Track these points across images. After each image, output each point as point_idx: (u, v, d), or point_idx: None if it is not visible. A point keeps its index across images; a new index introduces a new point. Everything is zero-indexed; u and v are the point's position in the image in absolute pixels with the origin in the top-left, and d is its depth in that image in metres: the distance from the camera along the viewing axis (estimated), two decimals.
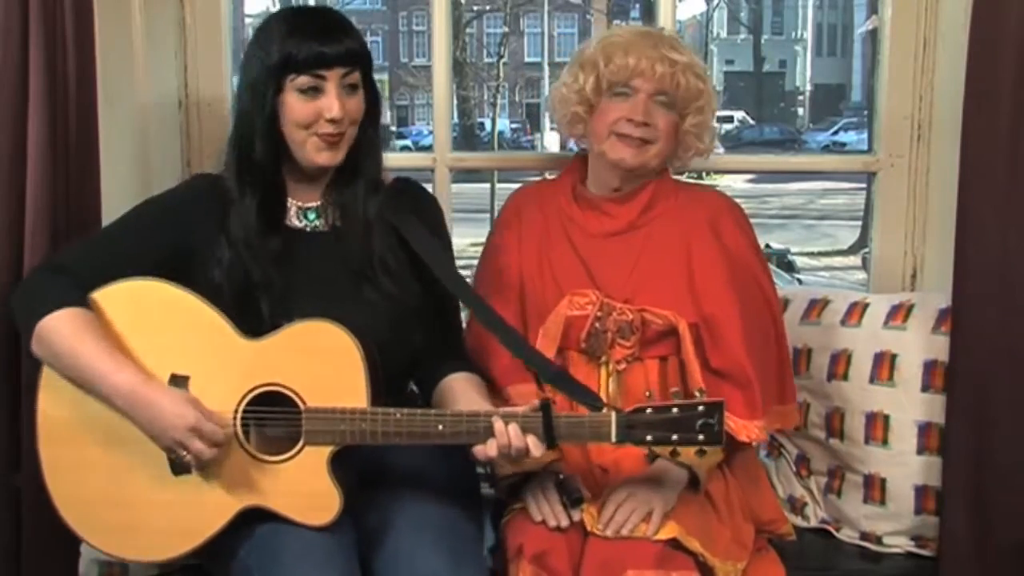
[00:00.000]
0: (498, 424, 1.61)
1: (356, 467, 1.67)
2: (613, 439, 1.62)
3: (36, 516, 1.88)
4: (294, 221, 1.79)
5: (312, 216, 1.80)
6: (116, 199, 1.97)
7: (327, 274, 1.75)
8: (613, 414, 1.62)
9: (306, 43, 1.66)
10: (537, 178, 2.22)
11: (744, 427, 1.80)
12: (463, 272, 1.90)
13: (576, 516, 1.74)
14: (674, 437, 1.60)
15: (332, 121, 1.68)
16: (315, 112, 1.68)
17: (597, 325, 1.89)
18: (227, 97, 2.44)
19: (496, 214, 2.14)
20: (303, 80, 1.67)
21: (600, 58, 1.92)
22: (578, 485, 1.78)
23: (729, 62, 26.70)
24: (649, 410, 1.61)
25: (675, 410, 1.60)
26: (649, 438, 1.61)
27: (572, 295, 1.90)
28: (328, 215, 1.80)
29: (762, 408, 1.83)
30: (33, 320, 1.62)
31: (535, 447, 1.61)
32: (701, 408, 1.60)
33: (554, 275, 1.94)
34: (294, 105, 1.68)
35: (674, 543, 1.70)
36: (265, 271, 1.70)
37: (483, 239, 2.10)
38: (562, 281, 1.93)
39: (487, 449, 1.61)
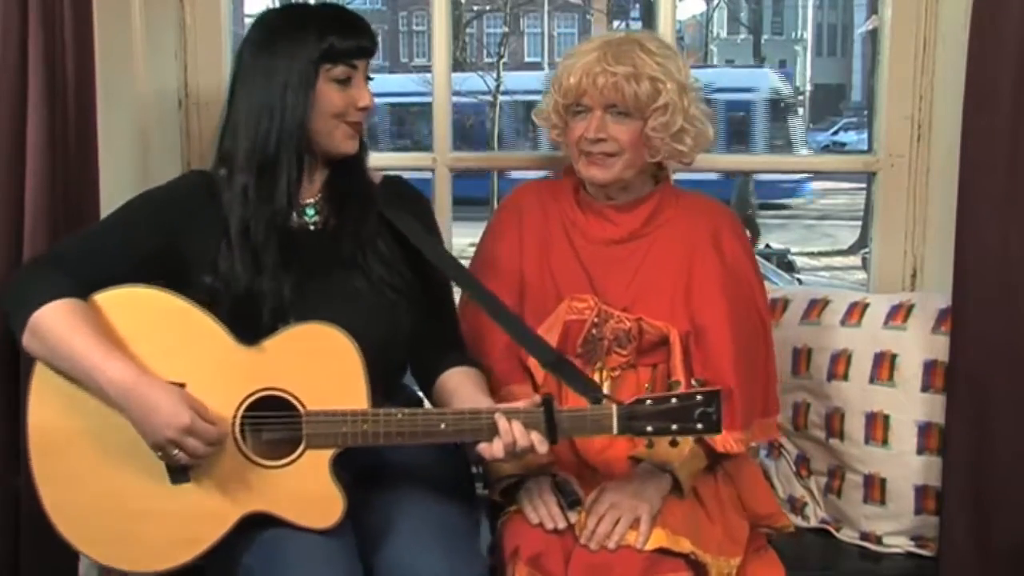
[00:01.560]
0: (502, 423, 1.61)
1: (352, 468, 1.67)
2: (615, 431, 1.63)
3: (35, 518, 1.87)
4: (293, 218, 1.78)
5: (311, 212, 1.80)
6: (116, 199, 1.96)
7: (322, 272, 1.75)
8: (614, 407, 1.63)
9: (347, 35, 1.72)
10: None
11: (721, 439, 1.80)
12: None
13: (573, 518, 1.74)
14: (674, 427, 1.62)
15: (363, 109, 1.74)
16: (348, 101, 1.73)
17: (594, 332, 1.89)
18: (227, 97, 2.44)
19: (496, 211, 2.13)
20: (340, 70, 1.72)
21: (555, 81, 1.93)
22: (574, 487, 1.78)
23: (729, 62, 26.68)
24: (649, 401, 1.62)
25: (674, 400, 1.62)
26: (649, 429, 1.62)
27: (571, 300, 1.90)
28: (323, 211, 1.80)
29: (742, 420, 1.84)
30: (27, 312, 1.60)
31: (540, 443, 1.61)
32: (699, 397, 1.61)
33: (554, 278, 1.94)
34: (330, 95, 1.72)
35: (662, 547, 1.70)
36: (274, 272, 1.69)
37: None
38: (561, 284, 1.93)
39: (492, 449, 1.61)
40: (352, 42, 1.72)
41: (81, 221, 1.89)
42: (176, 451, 1.56)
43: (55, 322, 1.58)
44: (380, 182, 1.88)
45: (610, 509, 1.73)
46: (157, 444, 1.57)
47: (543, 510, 1.75)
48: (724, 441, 1.80)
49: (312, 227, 1.79)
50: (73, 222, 1.88)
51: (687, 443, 1.69)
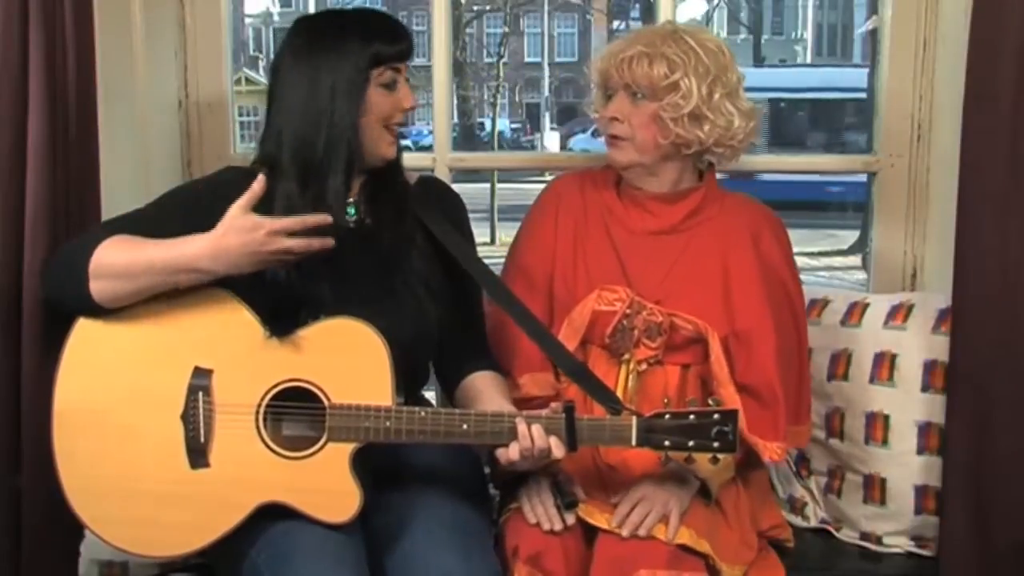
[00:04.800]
0: (521, 426, 1.62)
1: (371, 468, 1.67)
2: (633, 442, 1.63)
3: (36, 517, 1.87)
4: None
5: (351, 212, 1.81)
6: (116, 199, 1.97)
7: (359, 270, 1.76)
8: (634, 419, 1.64)
9: (392, 40, 1.74)
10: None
11: (767, 447, 1.80)
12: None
13: (570, 519, 1.74)
14: (690, 443, 1.63)
15: (407, 110, 1.77)
16: (394, 105, 1.76)
17: (625, 322, 1.87)
18: (227, 97, 2.44)
19: (495, 213, 2.14)
20: (388, 75, 1.74)
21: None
22: (573, 488, 1.77)
23: None
24: (668, 416, 1.63)
25: (692, 417, 1.63)
26: (667, 443, 1.63)
27: (602, 290, 1.89)
28: (362, 210, 1.82)
29: (785, 429, 1.83)
30: (82, 268, 1.60)
31: (557, 448, 1.63)
32: (716, 416, 1.62)
33: (587, 266, 1.92)
34: (379, 100, 1.74)
35: (684, 545, 1.70)
36: (314, 271, 1.68)
37: (484, 239, 2.09)
38: (594, 274, 1.91)
39: (509, 453, 1.62)
40: (398, 46, 1.74)
41: (82, 221, 1.90)
42: (286, 256, 1.57)
43: (114, 253, 1.61)
44: (415, 182, 1.89)
45: (642, 500, 1.73)
46: (264, 262, 1.58)
47: (540, 510, 1.75)
48: (770, 450, 1.80)
49: (351, 226, 1.80)
50: (73, 222, 1.88)
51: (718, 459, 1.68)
